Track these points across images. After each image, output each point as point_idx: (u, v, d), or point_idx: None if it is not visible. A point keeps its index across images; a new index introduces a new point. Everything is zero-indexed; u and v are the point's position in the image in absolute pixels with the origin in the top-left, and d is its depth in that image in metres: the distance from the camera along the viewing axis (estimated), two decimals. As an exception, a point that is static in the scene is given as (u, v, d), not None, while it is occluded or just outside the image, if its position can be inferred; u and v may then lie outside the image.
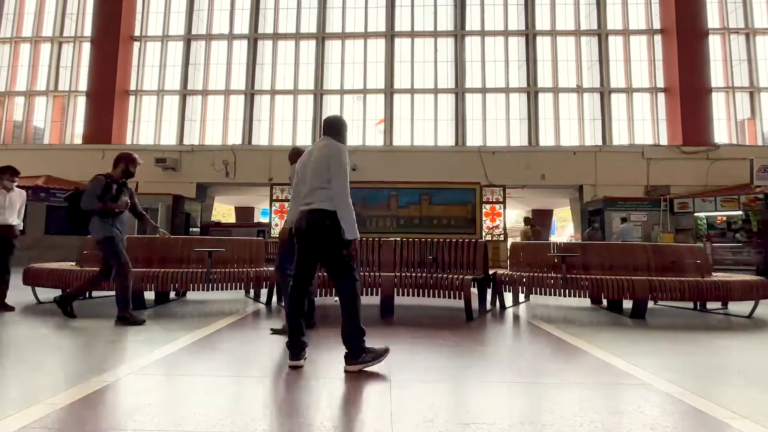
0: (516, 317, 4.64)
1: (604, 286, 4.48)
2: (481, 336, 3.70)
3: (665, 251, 5.18)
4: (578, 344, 3.34)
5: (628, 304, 4.71)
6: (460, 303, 4.47)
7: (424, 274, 4.62)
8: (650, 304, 4.80)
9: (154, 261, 5.08)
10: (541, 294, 4.79)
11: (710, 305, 5.32)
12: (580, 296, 4.63)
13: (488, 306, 5.06)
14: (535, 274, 4.93)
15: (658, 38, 15.00)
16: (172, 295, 5.42)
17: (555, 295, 4.68)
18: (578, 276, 4.71)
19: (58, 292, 5.28)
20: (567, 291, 4.59)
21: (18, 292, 5.37)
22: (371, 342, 2.61)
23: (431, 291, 4.57)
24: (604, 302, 5.36)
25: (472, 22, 15.54)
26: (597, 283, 4.52)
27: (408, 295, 4.64)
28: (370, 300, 5.15)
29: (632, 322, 4.34)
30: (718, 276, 5.06)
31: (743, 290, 4.50)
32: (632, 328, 4.11)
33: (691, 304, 5.29)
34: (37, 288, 4.98)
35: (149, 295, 4.87)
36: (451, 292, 4.41)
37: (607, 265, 5.08)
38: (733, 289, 4.45)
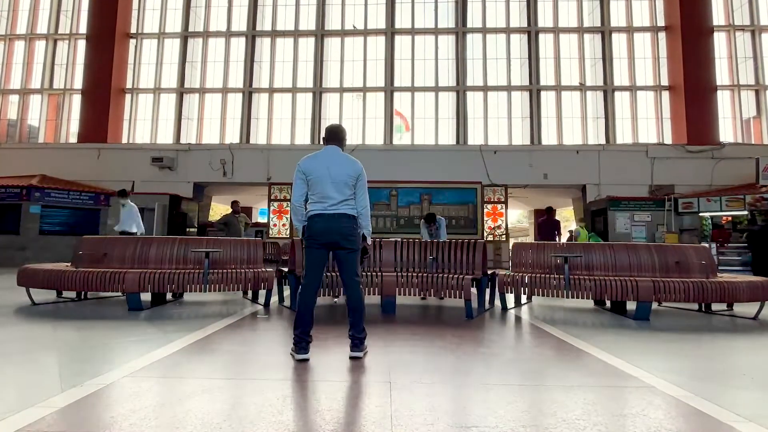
0: (518, 318, 4.59)
1: (608, 288, 4.42)
2: (483, 337, 3.65)
3: (670, 252, 5.12)
4: (581, 346, 3.29)
5: (631, 305, 4.65)
6: (460, 302, 4.43)
7: (423, 274, 4.58)
8: (654, 305, 4.74)
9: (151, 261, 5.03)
10: (543, 295, 4.73)
11: (715, 307, 5.25)
12: (583, 297, 4.57)
13: (487, 305, 5.03)
14: (538, 274, 4.87)
15: (662, 35, 14.88)
16: (169, 296, 5.37)
17: (557, 296, 4.63)
18: (581, 277, 4.65)
19: (53, 294, 5.27)
20: (570, 292, 4.53)
21: (13, 293, 5.33)
22: (372, 342, 3.09)
23: (432, 291, 4.55)
24: (608, 303, 5.30)
25: (473, 19, 15.44)
26: (600, 284, 4.46)
27: (408, 294, 4.63)
28: (370, 299, 5.11)
29: (636, 324, 4.28)
30: (724, 277, 5.00)
31: (749, 291, 4.43)
32: (636, 329, 4.05)
33: (695, 306, 5.23)
34: (31, 289, 4.92)
35: (145, 297, 4.82)
36: (452, 291, 4.38)
37: (611, 265, 5.02)
38: (739, 290, 4.38)
